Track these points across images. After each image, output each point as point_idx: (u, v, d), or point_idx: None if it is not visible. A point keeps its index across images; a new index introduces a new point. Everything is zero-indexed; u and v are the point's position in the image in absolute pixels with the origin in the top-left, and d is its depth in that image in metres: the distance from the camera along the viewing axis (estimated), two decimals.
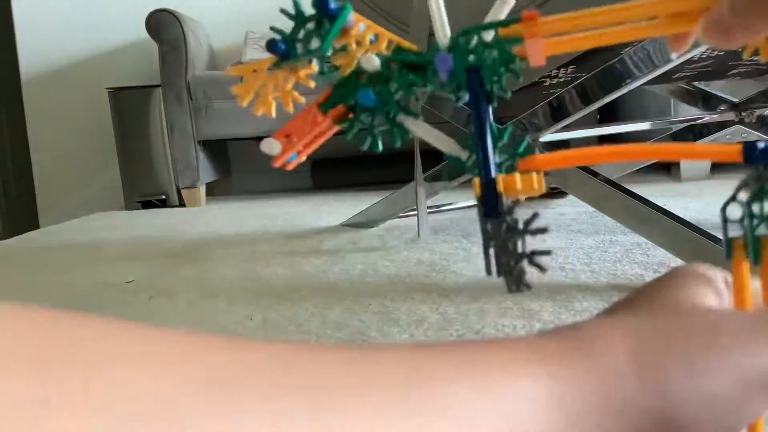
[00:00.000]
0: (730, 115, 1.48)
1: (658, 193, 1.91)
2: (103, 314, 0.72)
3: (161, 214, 2.39)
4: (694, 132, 1.55)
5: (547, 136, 1.18)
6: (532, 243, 0.28)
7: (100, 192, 3.11)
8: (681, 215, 0.96)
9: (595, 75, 1.03)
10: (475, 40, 0.28)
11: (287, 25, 0.29)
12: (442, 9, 0.29)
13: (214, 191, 3.02)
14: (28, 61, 3.07)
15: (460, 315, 0.85)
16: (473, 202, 1.77)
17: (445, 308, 0.88)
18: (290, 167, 0.31)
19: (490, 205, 0.27)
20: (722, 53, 1.10)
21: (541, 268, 0.27)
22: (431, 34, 0.95)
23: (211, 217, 2.17)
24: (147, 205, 2.66)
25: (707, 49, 1.03)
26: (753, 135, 1.51)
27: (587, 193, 1.07)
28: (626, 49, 1.02)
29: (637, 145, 0.28)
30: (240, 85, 0.30)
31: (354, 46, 0.29)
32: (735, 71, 1.37)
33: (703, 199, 1.71)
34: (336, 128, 0.30)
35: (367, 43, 0.29)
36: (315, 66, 0.29)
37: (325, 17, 0.28)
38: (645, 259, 1.08)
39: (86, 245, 1.73)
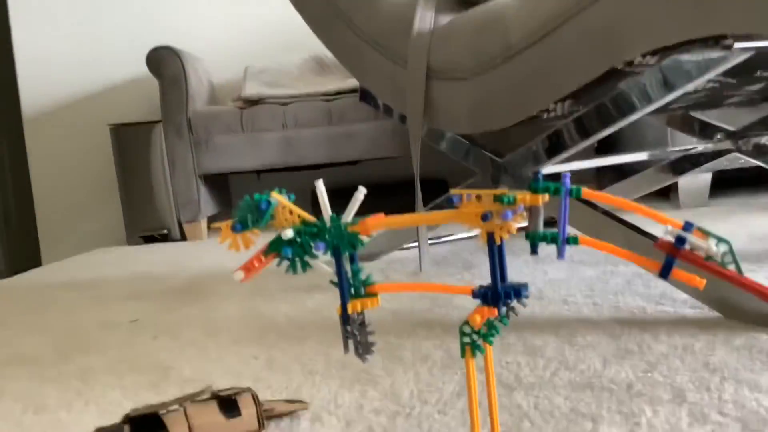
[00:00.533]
0: (727, 144, 1.50)
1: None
2: (107, 355, 0.72)
3: (163, 249, 2.40)
4: (691, 161, 1.56)
5: (547, 169, 1.19)
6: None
7: (101, 227, 3.11)
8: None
9: (593, 109, 1.05)
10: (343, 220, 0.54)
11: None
12: (326, 201, 0.54)
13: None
14: (29, 97, 3.10)
15: None
16: (472, 233, 1.78)
17: (449, 344, 0.89)
18: (248, 279, 0.52)
19: (346, 317, 0.53)
20: (717, 85, 1.11)
21: (368, 350, 0.53)
22: (428, 68, 0.97)
23: (213, 251, 2.18)
24: (149, 239, 2.66)
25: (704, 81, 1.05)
26: (750, 163, 1.52)
27: (587, 225, 1.08)
28: (623, 83, 1.04)
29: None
30: (221, 234, 0.53)
31: (280, 222, 0.54)
32: (731, 100, 1.38)
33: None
34: (271, 259, 0.53)
35: (285, 218, 0.54)
36: (258, 231, 0.54)
37: (261, 211, 0.53)
38: (647, 290, 1.09)
39: (89, 283, 1.74)
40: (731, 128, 1.52)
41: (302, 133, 2.50)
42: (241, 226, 0.55)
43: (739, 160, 1.56)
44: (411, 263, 1.54)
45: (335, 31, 1.47)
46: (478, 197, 0.51)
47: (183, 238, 2.64)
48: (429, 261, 1.51)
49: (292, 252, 0.54)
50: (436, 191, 2.80)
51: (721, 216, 1.88)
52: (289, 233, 0.53)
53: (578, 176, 2.40)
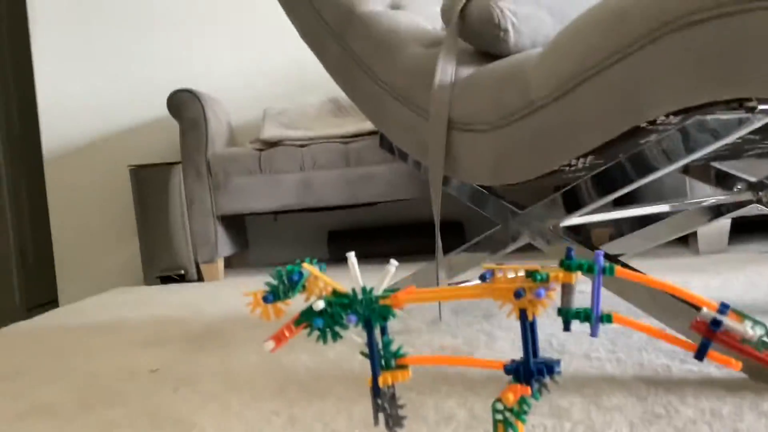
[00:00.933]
0: (748, 195, 1.49)
1: (678, 268, 1.91)
2: (128, 407, 0.73)
3: (181, 290, 2.41)
4: (712, 211, 1.55)
5: (567, 222, 1.19)
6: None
7: (119, 266, 3.13)
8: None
9: (613, 167, 1.05)
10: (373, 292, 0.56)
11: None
12: (358, 273, 0.54)
13: (231, 263, 3.04)
14: (50, 139, 3.14)
15: (488, 412, 0.84)
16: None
17: (472, 403, 0.88)
18: (279, 348, 0.57)
19: (376, 389, 0.55)
20: (739, 140, 1.12)
21: (398, 423, 0.55)
22: (449, 120, 1.02)
23: (230, 293, 2.18)
24: (166, 279, 2.67)
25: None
26: None
27: (610, 282, 1.07)
28: (646, 141, 1.04)
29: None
30: (252, 304, 0.56)
31: (311, 292, 0.56)
32: (752, 152, 1.38)
33: (722, 276, 1.71)
34: (301, 329, 0.55)
35: (316, 288, 0.56)
36: (289, 301, 0.56)
37: (293, 282, 0.55)
38: (670, 347, 1.08)
39: (108, 326, 1.74)
40: (752, 179, 1.51)
41: (320, 175, 2.51)
42: (272, 297, 0.55)
43: (759, 208, 1.56)
44: (430, 311, 1.53)
45: (355, 79, 1.49)
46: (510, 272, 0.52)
47: (200, 278, 2.65)
48: (448, 309, 1.51)
49: (323, 323, 0.55)
50: (453, 234, 2.80)
51: (740, 264, 1.86)
52: (320, 305, 0.54)
53: (596, 223, 2.39)
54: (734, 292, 1.49)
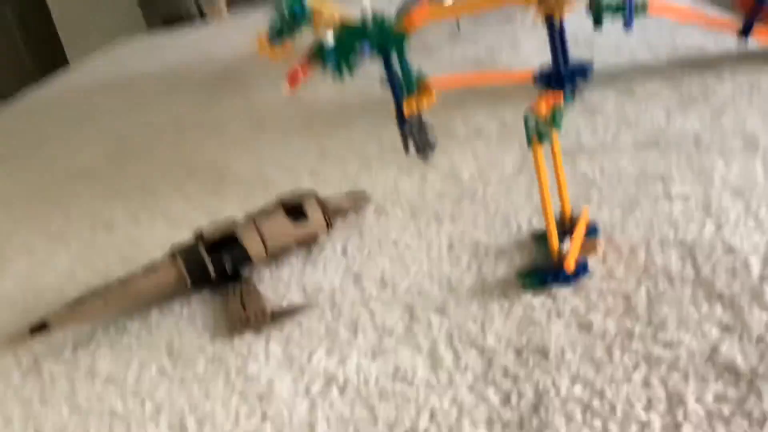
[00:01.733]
0: None
1: None
2: (161, 160, 0.73)
3: (186, 34, 2.32)
4: None
5: None
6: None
7: (117, 13, 3.02)
8: None
9: None
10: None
11: None
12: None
13: None
14: None
15: (519, 119, 0.82)
16: None
17: (502, 114, 0.86)
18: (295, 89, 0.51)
19: (401, 118, 0.53)
20: None
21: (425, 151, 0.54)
22: None
23: (239, 32, 2.10)
24: (169, 21, 2.58)
25: None
26: None
27: None
28: None
29: None
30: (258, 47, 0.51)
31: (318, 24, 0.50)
32: None
33: None
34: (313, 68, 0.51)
35: (324, 19, 0.50)
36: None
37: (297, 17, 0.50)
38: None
39: (123, 81, 1.71)
40: None
41: None
42: (278, 37, 0.51)
43: None
44: (445, 24, 1.46)
45: None
46: None
47: (201, 14, 2.55)
48: (466, 20, 1.43)
49: (336, 58, 0.51)
50: None
51: None
52: (330, 40, 0.49)
53: None
54: None
